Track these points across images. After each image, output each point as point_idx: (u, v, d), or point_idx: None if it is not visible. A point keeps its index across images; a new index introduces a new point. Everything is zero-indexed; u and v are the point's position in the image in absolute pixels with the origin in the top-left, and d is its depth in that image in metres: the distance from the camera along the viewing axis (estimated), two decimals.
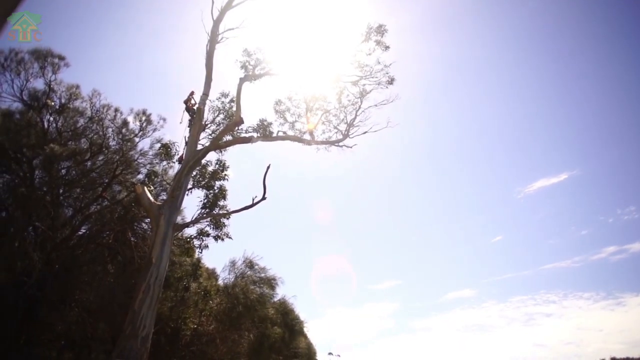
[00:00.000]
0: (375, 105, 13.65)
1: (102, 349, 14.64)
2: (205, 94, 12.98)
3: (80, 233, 15.13)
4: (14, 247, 12.99)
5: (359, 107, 13.73)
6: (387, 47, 13.43)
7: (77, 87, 15.08)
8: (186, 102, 13.21)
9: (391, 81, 13.52)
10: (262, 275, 19.24)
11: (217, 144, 13.18)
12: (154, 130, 15.91)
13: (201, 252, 17.05)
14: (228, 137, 13.75)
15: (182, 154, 12.88)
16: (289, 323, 22.42)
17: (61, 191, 14.90)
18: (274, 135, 13.86)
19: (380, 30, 13.37)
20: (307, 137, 13.54)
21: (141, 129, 15.78)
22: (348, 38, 13.70)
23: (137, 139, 15.94)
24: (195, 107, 13.08)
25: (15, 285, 11.98)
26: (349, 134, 13.61)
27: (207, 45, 12.69)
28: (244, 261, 19.14)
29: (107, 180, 15.32)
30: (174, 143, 15.69)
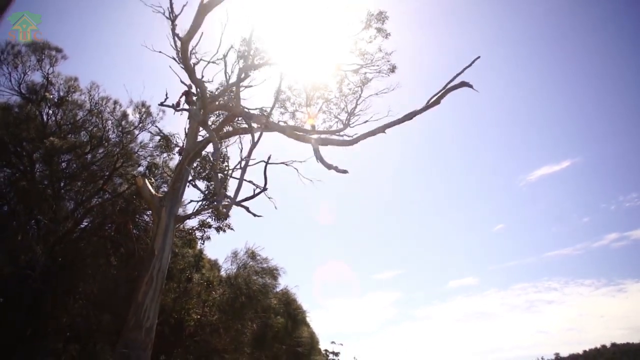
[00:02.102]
0: (376, 94, 13.53)
1: (107, 340, 14.77)
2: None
3: (82, 226, 15.15)
4: (17, 240, 13.03)
5: (360, 96, 13.61)
6: (388, 35, 13.24)
7: (76, 79, 14.97)
8: (185, 94, 13.11)
9: (392, 69, 13.37)
10: (264, 265, 19.30)
11: (217, 135, 13.10)
12: (154, 122, 15.85)
13: (203, 244, 17.16)
14: (228, 128, 13.67)
15: (183, 146, 12.83)
16: (291, 313, 22.57)
17: (62, 184, 14.87)
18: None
19: (381, 17, 13.16)
20: (307, 126, 13.45)
21: (141, 121, 15.71)
22: (348, 26, 13.49)
23: (136, 131, 15.88)
24: (195, 99, 12.99)
25: (19, 278, 12.04)
26: (350, 123, 13.51)
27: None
28: (245, 252, 19.18)
29: (107, 173, 15.29)
30: (174, 135, 15.64)
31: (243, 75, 12.77)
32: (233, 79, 12.86)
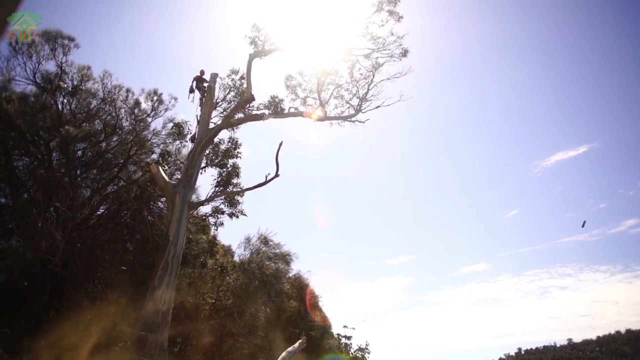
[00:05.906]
0: (388, 79, 13.35)
1: (126, 323, 15.24)
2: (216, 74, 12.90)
3: (99, 213, 15.48)
4: (38, 227, 13.40)
5: (371, 81, 13.44)
6: (400, 18, 12.96)
7: (89, 68, 15.06)
8: (197, 79, 13.14)
9: (405, 53, 13.12)
10: (277, 251, 19.50)
11: (229, 122, 13.15)
12: (166, 109, 15.93)
13: (217, 230, 17.40)
14: (239, 115, 13.68)
15: (195, 133, 12.91)
16: (304, 297, 22.90)
17: (78, 172, 15.18)
18: (286, 111, 13.73)
19: None
20: (319, 112, 13.38)
21: (153, 109, 15.80)
22: (359, 9, 13.24)
23: (149, 119, 16.00)
24: (205, 86, 13.02)
25: (41, 263, 12.44)
26: (362, 108, 13.39)
27: None
28: (258, 237, 19.38)
29: (122, 161, 15.51)
30: (186, 122, 15.74)
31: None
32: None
